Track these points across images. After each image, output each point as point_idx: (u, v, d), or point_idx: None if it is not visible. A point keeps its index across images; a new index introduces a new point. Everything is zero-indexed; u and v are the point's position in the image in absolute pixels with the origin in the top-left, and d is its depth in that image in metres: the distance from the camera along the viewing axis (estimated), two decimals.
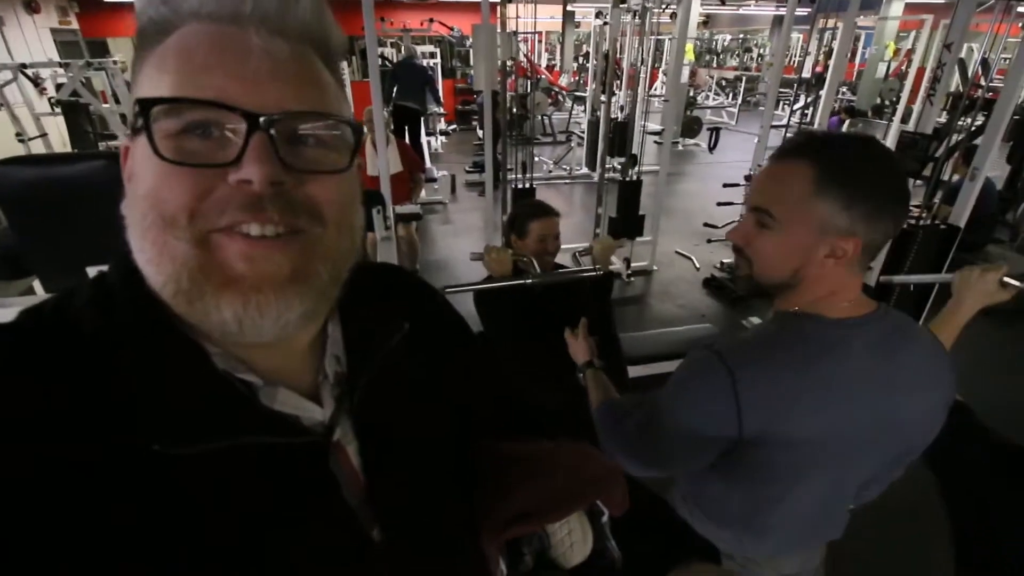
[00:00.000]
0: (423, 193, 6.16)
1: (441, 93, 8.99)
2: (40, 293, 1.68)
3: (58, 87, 5.28)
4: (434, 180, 6.08)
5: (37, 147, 4.76)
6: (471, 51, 10.45)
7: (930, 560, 1.72)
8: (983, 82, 4.83)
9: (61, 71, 5.05)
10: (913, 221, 2.79)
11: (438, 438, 0.48)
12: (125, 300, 0.35)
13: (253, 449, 0.35)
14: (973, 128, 3.33)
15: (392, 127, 4.44)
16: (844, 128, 7.25)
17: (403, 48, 6.20)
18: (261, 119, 0.32)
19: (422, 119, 6.51)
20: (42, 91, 5.46)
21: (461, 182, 6.68)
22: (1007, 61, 6.71)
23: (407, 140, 6.13)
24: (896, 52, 9.38)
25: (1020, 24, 5.48)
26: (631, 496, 0.50)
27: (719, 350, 0.71)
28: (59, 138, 5.40)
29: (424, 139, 6.89)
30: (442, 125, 9.37)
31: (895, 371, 0.71)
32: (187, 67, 0.33)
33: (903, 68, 9.13)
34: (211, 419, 0.34)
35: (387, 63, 4.15)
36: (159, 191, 0.33)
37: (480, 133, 8.29)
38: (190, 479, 0.33)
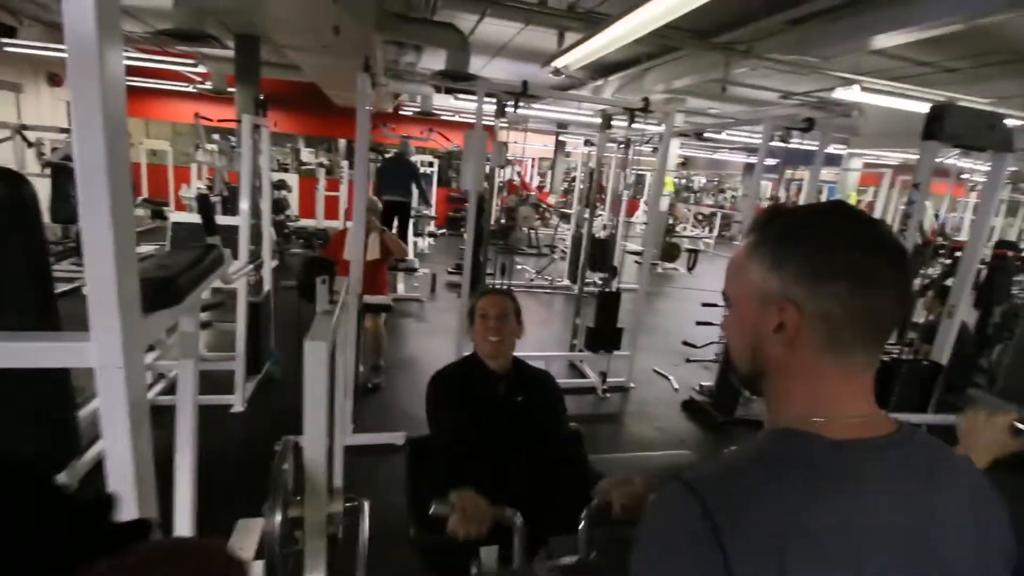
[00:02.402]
0: (400, 289, 6.11)
1: (435, 198, 9.39)
2: None
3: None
4: (415, 270, 6.11)
5: None
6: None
7: None
8: (941, 233, 5.15)
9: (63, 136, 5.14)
10: (894, 356, 2.74)
11: None
12: None
13: None
14: (942, 271, 3.44)
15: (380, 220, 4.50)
16: None
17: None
18: None
19: (411, 212, 6.64)
20: (40, 155, 5.51)
21: (442, 283, 6.66)
22: (956, 217, 7.34)
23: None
24: (857, 203, 10.24)
25: (969, 187, 6.05)
26: None
27: (689, 481, 0.53)
28: (43, 201, 5.34)
29: (411, 237, 7.00)
30: (431, 228, 9.64)
31: (927, 515, 0.53)
32: None
33: None
34: None
35: (380, 157, 4.31)
36: None
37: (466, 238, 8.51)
38: None
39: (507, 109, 3.40)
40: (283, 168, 10.80)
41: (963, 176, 5.44)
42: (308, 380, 0.95)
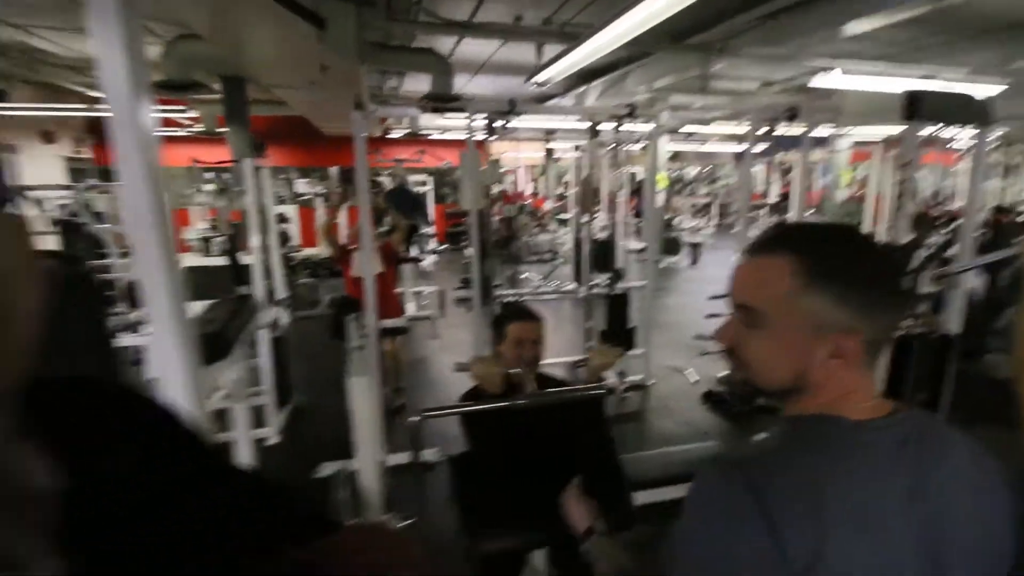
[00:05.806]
0: (411, 308, 6.17)
1: (433, 216, 9.49)
2: None
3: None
4: (419, 260, 6.17)
5: None
6: (459, 178, 11.29)
7: None
8: (936, 204, 5.21)
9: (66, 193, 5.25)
10: (904, 332, 2.77)
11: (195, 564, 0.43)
12: None
13: None
14: (943, 241, 3.50)
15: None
16: None
17: (395, 176, 6.65)
18: None
19: (416, 234, 6.77)
20: (44, 212, 5.62)
21: (451, 299, 6.72)
22: (949, 186, 7.39)
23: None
24: (851, 180, 10.29)
25: (956, 155, 6.11)
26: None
27: (729, 460, 0.61)
28: None
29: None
30: (432, 245, 9.72)
31: (932, 478, 0.61)
32: None
33: (860, 193, 9.93)
34: None
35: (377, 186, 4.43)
36: None
37: (468, 252, 8.60)
38: None
39: (495, 126, 3.48)
40: (280, 200, 10.92)
41: (950, 146, 5.50)
42: (356, 412, 1.02)
